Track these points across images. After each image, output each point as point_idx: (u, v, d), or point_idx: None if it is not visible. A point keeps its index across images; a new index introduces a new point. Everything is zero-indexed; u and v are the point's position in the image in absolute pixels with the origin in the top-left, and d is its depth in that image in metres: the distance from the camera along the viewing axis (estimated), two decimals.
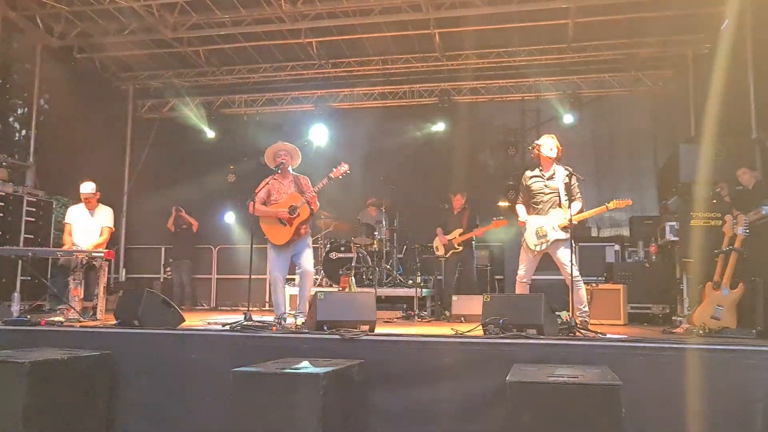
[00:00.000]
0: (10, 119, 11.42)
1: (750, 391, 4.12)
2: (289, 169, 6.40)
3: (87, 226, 7.49)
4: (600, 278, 8.51)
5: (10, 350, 4.76)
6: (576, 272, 5.79)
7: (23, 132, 10.85)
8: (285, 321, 6.07)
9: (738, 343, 4.46)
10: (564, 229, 5.86)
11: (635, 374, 4.23)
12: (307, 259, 6.20)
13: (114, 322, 5.91)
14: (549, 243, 5.90)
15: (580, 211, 5.95)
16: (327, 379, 3.80)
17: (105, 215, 7.59)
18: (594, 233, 11.12)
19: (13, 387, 4.21)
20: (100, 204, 7.62)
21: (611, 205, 5.92)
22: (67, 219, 7.62)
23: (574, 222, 5.83)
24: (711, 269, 5.67)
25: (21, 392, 4.19)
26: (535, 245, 5.96)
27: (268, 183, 6.25)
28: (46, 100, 11.08)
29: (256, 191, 6.16)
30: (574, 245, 5.95)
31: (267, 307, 11.07)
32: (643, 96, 11.33)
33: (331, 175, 6.16)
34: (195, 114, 12.59)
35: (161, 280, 11.65)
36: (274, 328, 5.30)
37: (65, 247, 7.34)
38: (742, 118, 8.61)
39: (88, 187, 7.49)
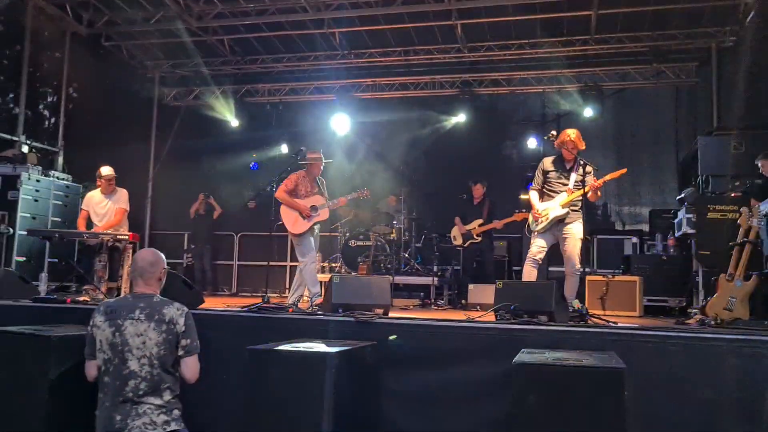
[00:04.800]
0: (40, 106, 11.72)
1: (758, 381, 4.16)
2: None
3: (104, 211, 7.69)
4: (617, 270, 8.53)
5: (38, 326, 4.96)
6: (575, 263, 5.88)
7: (53, 119, 11.12)
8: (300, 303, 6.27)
9: (745, 332, 4.49)
10: (564, 206, 5.93)
11: (644, 362, 4.29)
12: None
13: None
14: (549, 220, 5.98)
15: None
16: (339, 359, 3.91)
17: (119, 197, 7.79)
18: (618, 227, 11.12)
19: (40, 359, 4.39)
20: (116, 188, 7.81)
21: (607, 177, 6.09)
22: (83, 206, 7.83)
23: (575, 205, 5.90)
24: (727, 261, 5.68)
25: (48, 364, 4.37)
26: (536, 225, 6.08)
27: (298, 178, 7.06)
28: (74, 88, 11.33)
29: (285, 182, 6.98)
30: (589, 237, 6.01)
31: (287, 293, 11.25)
32: (665, 89, 11.24)
33: (349, 196, 7.30)
34: (219, 102, 12.79)
35: (184, 265, 11.87)
36: (291, 309, 5.43)
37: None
38: (764, 112, 8.54)
39: (107, 170, 7.71)
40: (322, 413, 3.73)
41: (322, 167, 7.17)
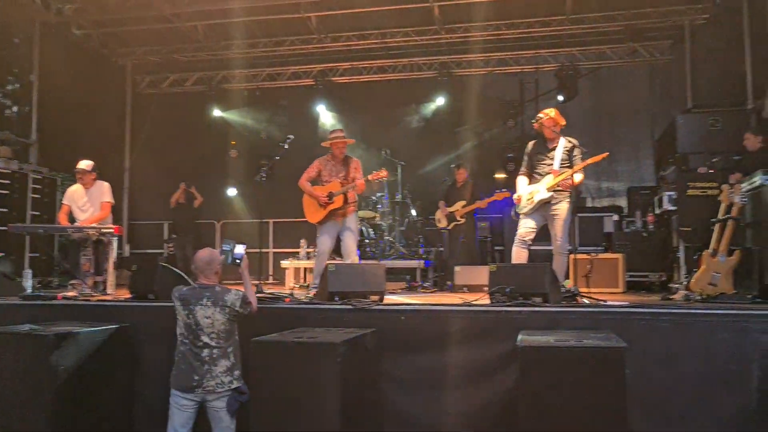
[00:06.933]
0: (11, 96, 11.41)
1: (745, 352, 4.32)
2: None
3: (85, 204, 7.56)
4: (599, 247, 8.69)
5: (32, 324, 4.91)
6: (562, 243, 5.99)
7: (26, 109, 10.84)
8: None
9: (734, 307, 4.64)
10: (550, 189, 6.04)
11: (636, 338, 4.41)
12: (350, 242, 6.84)
13: (127, 296, 6.05)
14: (534, 204, 6.08)
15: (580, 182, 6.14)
16: (344, 348, 3.97)
17: (102, 190, 7.61)
18: (589, 203, 11.28)
19: (39, 358, 4.38)
20: (97, 181, 7.66)
21: (589, 161, 6.15)
22: (65, 200, 7.65)
23: (560, 186, 6.01)
24: (708, 237, 5.84)
25: (46, 363, 4.35)
26: (522, 208, 6.17)
27: (321, 163, 6.88)
28: (45, 77, 11.05)
29: (308, 169, 6.87)
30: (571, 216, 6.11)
31: (270, 280, 11.25)
32: (640, 67, 11.39)
33: (368, 177, 6.87)
34: (194, 89, 12.65)
35: (165, 255, 11.76)
36: (287, 299, 5.46)
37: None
38: (738, 89, 8.73)
39: (84, 163, 7.54)
40: (330, 401, 3.80)
41: (345, 147, 6.91)
